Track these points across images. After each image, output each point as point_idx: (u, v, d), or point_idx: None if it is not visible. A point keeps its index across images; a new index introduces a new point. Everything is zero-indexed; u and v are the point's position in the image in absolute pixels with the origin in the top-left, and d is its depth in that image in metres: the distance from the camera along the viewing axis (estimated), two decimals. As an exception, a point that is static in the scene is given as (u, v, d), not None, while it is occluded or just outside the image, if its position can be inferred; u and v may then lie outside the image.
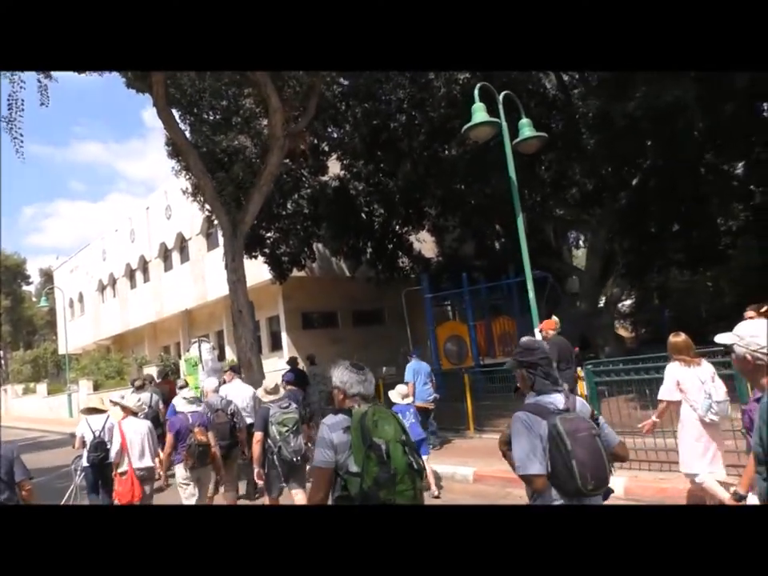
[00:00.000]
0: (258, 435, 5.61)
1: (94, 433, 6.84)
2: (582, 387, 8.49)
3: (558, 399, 2.81)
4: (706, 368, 4.83)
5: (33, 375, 43.56)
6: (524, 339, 3.17)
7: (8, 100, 9.19)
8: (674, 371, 4.87)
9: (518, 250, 17.85)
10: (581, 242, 24.61)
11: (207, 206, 16.12)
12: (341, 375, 2.93)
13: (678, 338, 4.95)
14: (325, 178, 15.45)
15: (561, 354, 7.52)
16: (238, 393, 7.92)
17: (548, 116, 12.95)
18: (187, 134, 12.56)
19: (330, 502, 2.76)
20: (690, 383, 4.75)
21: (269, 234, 16.23)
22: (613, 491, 2.85)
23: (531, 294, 8.88)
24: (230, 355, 24.02)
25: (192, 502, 6.04)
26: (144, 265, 29.36)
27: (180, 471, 6.07)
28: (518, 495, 6.52)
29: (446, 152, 13.60)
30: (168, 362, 21.54)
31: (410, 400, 7.26)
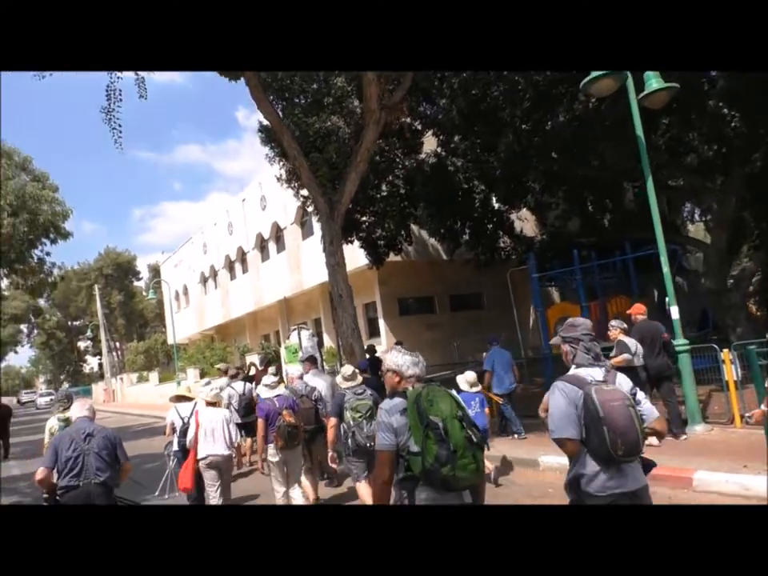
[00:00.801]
0: (332, 420, 5.80)
1: (182, 419, 7.12)
2: (730, 371, 7.43)
3: (596, 372, 3.01)
4: None
5: (145, 365, 46.14)
6: (570, 319, 3.31)
7: (106, 91, 9.20)
8: None
9: (630, 225, 16.55)
10: (696, 215, 22.55)
11: (302, 192, 15.96)
12: (395, 358, 3.02)
13: None
14: (421, 156, 14.77)
15: (644, 340, 7.51)
16: (315, 384, 7.88)
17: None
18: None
19: (394, 483, 2.86)
20: None
21: (364, 218, 15.79)
22: (655, 464, 3.01)
23: (666, 269, 7.85)
24: (328, 342, 24.07)
25: (281, 480, 6.28)
26: (242, 256, 30.01)
27: (271, 452, 6.25)
28: (665, 495, 5.68)
29: (552, 120, 12.57)
30: (269, 350, 21.76)
31: (477, 388, 7.15)
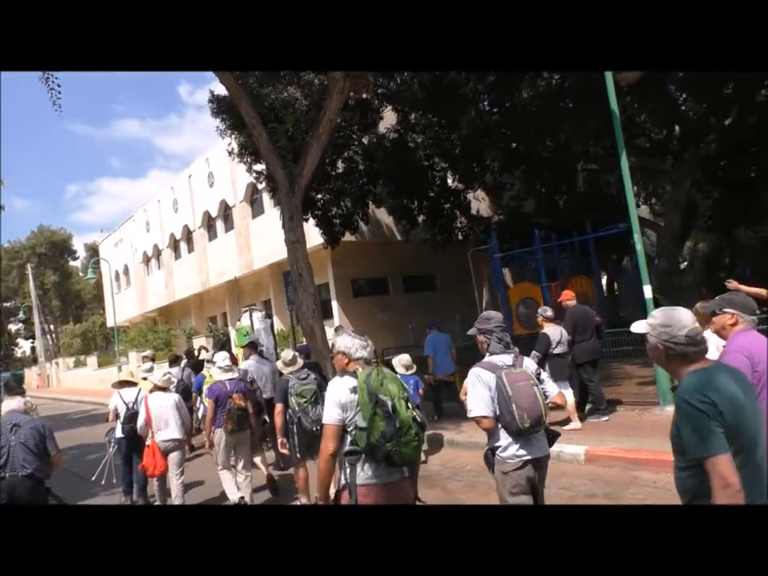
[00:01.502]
0: (278, 407, 5.76)
1: (126, 405, 7.08)
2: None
3: (507, 358, 3.51)
4: None
5: (82, 348, 44.23)
6: (484, 313, 3.79)
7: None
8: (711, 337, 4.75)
9: (582, 207, 16.58)
10: (641, 198, 22.88)
11: (256, 166, 15.24)
12: (345, 341, 3.21)
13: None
14: (381, 131, 14.27)
15: (576, 325, 7.83)
16: (256, 370, 7.93)
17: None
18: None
19: (339, 457, 3.01)
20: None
21: (319, 196, 15.23)
22: (559, 434, 3.66)
23: (639, 247, 7.75)
24: (279, 325, 23.43)
25: (227, 463, 6.27)
26: (188, 235, 28.86)
27: (220, 435, 6.25)
28: (650, 480, 5.55)
29: (514, 97, 12.33)
30: (217, 332, 20.97)
31: (412, 371, 7.33)
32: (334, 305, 21.13)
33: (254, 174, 15.49)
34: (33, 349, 62.29)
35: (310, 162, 9.45)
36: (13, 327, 65.24)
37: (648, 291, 7.61)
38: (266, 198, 23.08)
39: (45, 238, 59.15)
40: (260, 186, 22.33)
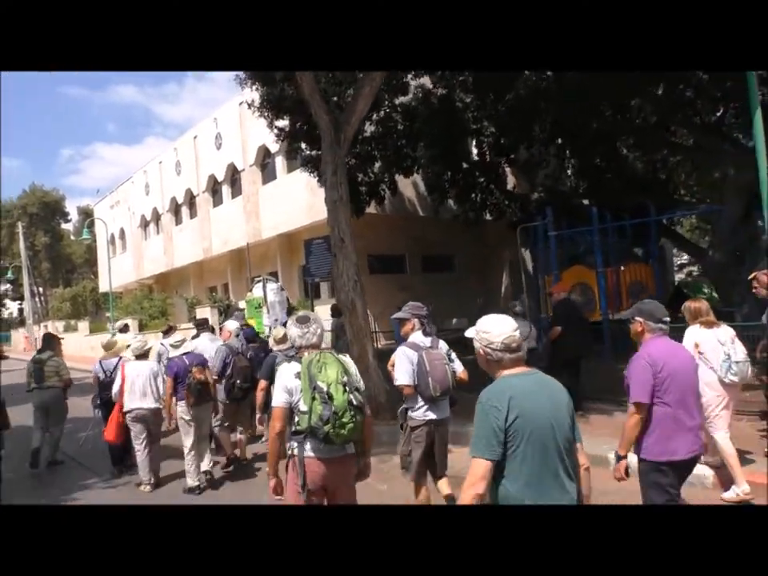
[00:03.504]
0: (262, 383, 5.88)
1: (105, 373, 7.25)
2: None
3: (427, 340, 4.52)
4: (725, 330, 5.06)
5: (72, 313, 42.72)
6: (413, 302, 4.76)
7: None
8: (692, 334, 5.06)
9: (632, 188, 15.21)
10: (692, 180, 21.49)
11: (277, 124, 13.74)
12: (290, 330, 3.51)
13: (697, 303, 5.19)
14: (428, 85, 12.73)
15: (563, 316, 7.71)
16: (205, 349, 7.32)
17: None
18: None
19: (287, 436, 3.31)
20: (708, 345, 4.95)
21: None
22: (457, 399, 4.64)
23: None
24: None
25: (191, 438, 6.25)
26: (191, 199, 27.27)
27: (182, 409, 6.26)
28: None
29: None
30: (222, 303, 19.55)
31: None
32: (348, 281, 19.73)
33: (275, 131, 13.96)
34: (20, 311, 60.59)
35: (359, 108, 8.02)
36: (0, 288, 63.53)
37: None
38: (279, 163, 21.56)
39: (37, 198, 57.29)
40: (274, 148, 20.89)
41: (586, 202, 14.99)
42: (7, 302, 65.80)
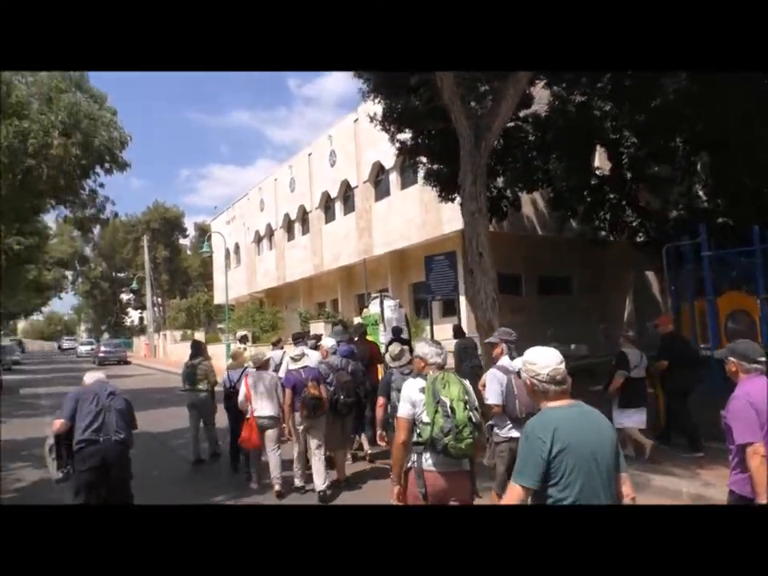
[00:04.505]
0: (380, 400, 5.86)
1: (231, 382, 7.64)
2: None
3: (515, 365, 4.66)
4: None
5: (186, 323, 44.80)
6: (504, 328, 5.33)
7: None
8: None
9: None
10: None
11: (400, 135, 13.43)
12: (423, 348, 3.81)
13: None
14: (531, 109, 11.92)
15: (669, 350, 7.67)
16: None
17: None
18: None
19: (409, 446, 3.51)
20: None
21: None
22: None
23: None
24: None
25: (300, 448, 6.64)
26: (304, 216, 27.73)
27: (297, 420, 6.58)
28: None
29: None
30: (335, 318, 19.48)
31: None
32: (462, 300, 19.03)
33: (397, 144, 13.65)
34: (141, 319, 64.72)
35: (502, 112, 7.46)
36: (124, 297, 68.19)
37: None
38: (393, 180, 21.39)
39: (159, 214, 61.13)
40: (388, 164, 20.76)
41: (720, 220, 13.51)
42: (129, 310, 70.57)
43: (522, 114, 12.64)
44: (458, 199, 13.88)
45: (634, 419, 7.03)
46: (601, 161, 15.49)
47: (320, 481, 6.40)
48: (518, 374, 4.05)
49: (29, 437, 6.15)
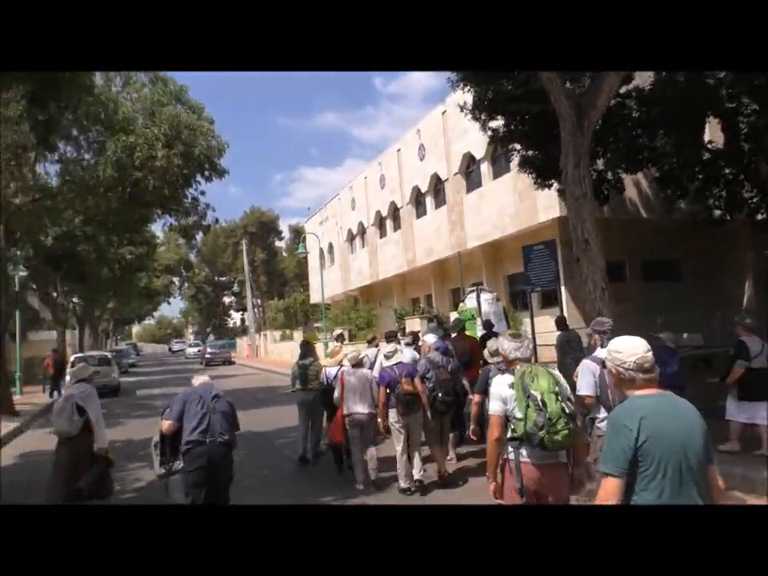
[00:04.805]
0: (476, 397, 5.80)
1: (328, 380, 7.80)
2: None
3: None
4: None
5: (285, 323, 46.14)
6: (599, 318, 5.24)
7: None
8: None
9: None
10: None
11: (492, 123, 13.04)
12: (502, 344, 3.82)
13: None
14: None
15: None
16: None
17: None
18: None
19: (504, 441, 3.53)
20: None
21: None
22: None
23: None
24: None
25: (401, 444, 6.53)
26: (395, 212, 27.75)
27: (393, 417, 6.58)
28: None
29: None
30: (431, 314, 19.33)
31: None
32: (562, 290, 18.29)
33: (489, 132, 13.26)
34: (242, 320, 67.51)
35: (606, 89, 6.98)
36: (226, 300, 71.42)
37: None
38: (484, 170, 20.91)
39: (255, 219, 63.43)
40: (479, 155, 20.30)
41: None
42: (231, 312, 73.85)
43: (622, 90, 11.91)
44: (556, 185, 13.38)
45: (751, 414, 6.45)
46: (712, 133, 14.34)
47: (416, 471, 6.54)
48: (603, 363, 3.95)
49: (146, 437, 6.46)
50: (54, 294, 27.91)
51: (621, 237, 18.11)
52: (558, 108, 7.15)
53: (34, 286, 23.78)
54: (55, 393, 19.28)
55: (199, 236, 22.08)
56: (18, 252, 18.71)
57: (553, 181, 13.06)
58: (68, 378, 19.50)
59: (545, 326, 13.35)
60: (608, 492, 2.29)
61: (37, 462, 9.60)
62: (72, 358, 21.50)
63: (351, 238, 33.28)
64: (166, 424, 4.92)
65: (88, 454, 5.67)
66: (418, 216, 25.69)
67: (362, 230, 31.52)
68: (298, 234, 52.95)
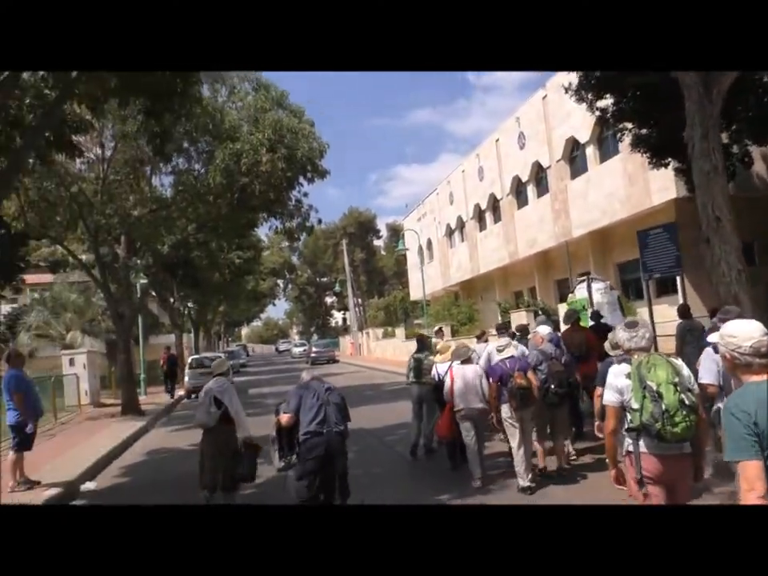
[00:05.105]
0: (598, 390, 5.46)
1: (439, 376, 7.70)
2: None
3: None
4: None
5: (385, 321, 46.55)
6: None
7: None
8: None
9: None
10: None
11: (600, 102, 12.34)
12: (617, 334, 3.75)
13: None
14: None
15: None
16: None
17: None
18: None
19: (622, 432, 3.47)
20: None
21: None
22: None
23: None
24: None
25: (516, 439, 6.35)
26: (494, 204, 27.16)
27: (506, 411, 6.44)
28: None
29: None
30: (536, 306, 18.70)
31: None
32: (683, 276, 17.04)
33: (597, 113, 12.56)
34: (344, 320, 68.94)
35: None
36: (328, 300, 73.19)
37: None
38: (590, 154, 19.92)
39: (354, 219, 64.45)
40: (583, 138, 19.33)
41: None
42: (333, 312, 75.60)
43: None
44: (673, 164, 12.45)
45: None
46: None
47: (525, 474, 6.33)
48: (715, 348, 3.85)
49: (260, 435, 6.60)
50: (172, 300, 29.70)
51: (749, 216, 16.55)
52: (682, 77, 6.54)
53: (154, 293, 25.33)
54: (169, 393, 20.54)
55: (302, 238, 22.62)
56: (139, 261, 19.95)
57: (669, 159, 12.15)
58: (186, 378, 20.70)
59: (661, 316, 12.48)
60: (752, 477, 2.15)
61: (163, 459, 10.14)
62: (189, 360, 22.73)
63: (450, 232, 32.96)
64: (285, 417, 5.07)
65: (229, 443, 6.02)
66: (519, 206, 24.97)
67: (461, 224, 31.12)
68: (395, 232, 53.29)
